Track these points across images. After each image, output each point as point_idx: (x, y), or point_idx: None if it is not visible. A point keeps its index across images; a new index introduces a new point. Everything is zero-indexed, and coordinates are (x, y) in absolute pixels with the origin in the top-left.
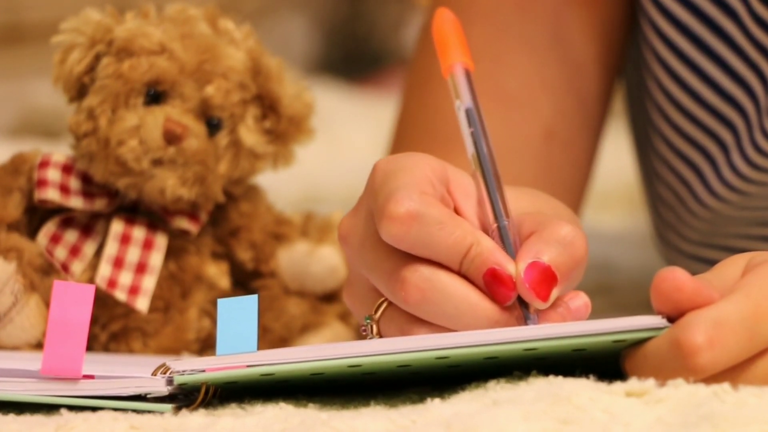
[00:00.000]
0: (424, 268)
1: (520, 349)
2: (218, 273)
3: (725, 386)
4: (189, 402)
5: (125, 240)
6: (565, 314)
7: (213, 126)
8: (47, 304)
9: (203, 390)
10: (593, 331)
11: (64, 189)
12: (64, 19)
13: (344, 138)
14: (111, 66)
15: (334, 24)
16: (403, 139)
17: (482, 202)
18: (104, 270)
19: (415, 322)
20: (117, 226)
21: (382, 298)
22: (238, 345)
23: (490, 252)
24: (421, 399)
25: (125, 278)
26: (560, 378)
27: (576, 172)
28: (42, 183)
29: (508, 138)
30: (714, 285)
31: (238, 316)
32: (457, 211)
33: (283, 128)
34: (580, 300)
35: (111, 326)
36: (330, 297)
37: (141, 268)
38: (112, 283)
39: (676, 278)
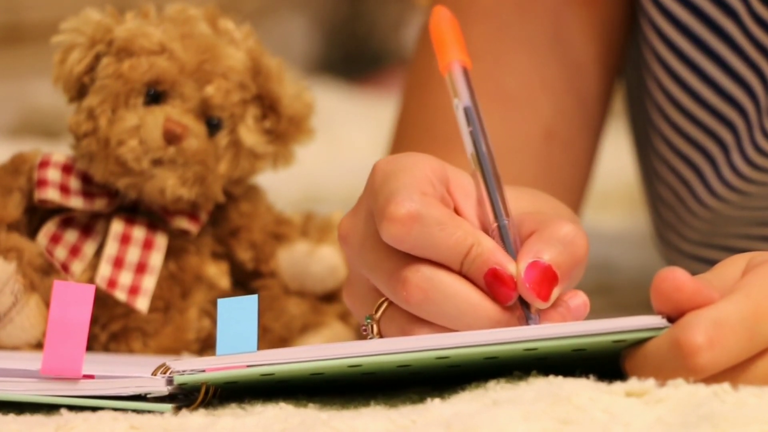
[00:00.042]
0: (425, 268)
1: (520, 349)
2: (218, 273)
3: (725, 386)
4: (189, 402)
5: (125, 240)
6: (566, 314)
7: (213, 126)
8: (47, 304)
9: (203, 390)
10: (593, 331)
11: (64, 189)
12: (64, 19)
13: (344, 138)
14: (111, 66)
15: (334, 24)
16: (403, 139)
17: (482, 201)
18: (104, 270)
19: (415, 322)
20: (117, 226)
21: (383, 298)
22: (238, 345)
23: (490, 252)
24: (421, 399)
25: (125, 278)
26: (560, 378)
27: (576, 172)
28: (42, 183)
29: (508, 138)
30: (714, 285)
31: (238, 316)
32: (457, 211)
33: (283, 128)
34: (579, 299)
35: (111, 326)
36: (330, 297)
37: (141, 268)
38: (112, 283)
39: (676, 278)
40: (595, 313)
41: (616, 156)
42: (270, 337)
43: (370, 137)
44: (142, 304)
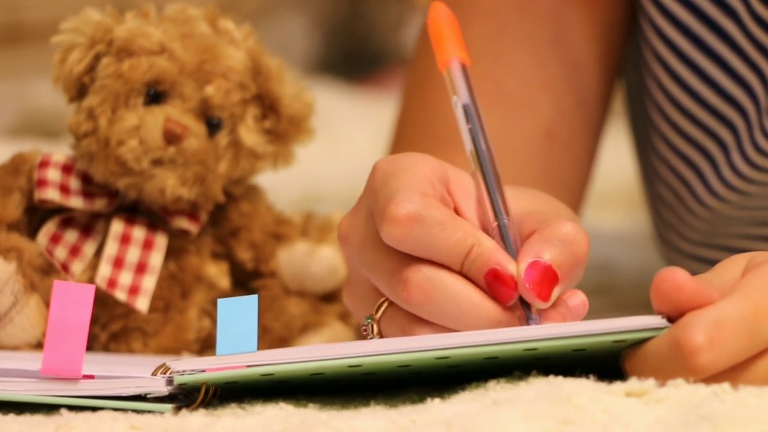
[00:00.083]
0: (426, 269)
1: (520, 349)
2: (218, 273)
3: (725, 386)
4: (189, 402)
5: (125, 240)
6: (566, 313)
7: (213, 126)
8: (47, 304)
9: (203, 390)
10: (593, 331)
11: (64, 189)
12: (64, 19)
13: (344, 138)
14: (111, 66)
15: (334, 24)
16: (403, 139)
17: (482, 200)
18: (104, 270)
19: (416, 322)
20: (117, 226)
21: (383, 298)
22: (238, 345)
23: (491, 252)
24: (421, 399)
25: (125, 278)
26: (560, 378)
27: (576, 172)
28: (42, 183)
29: (508, 138)
30: (714, 285)
31: (238, 316)
32: (457, 211)
33: (283, 128)
34: (578, 298)
35: (111, 326)
36: (330, 297)
37: (141, 268)
38: (112, 283)
39: (676, 278)
40: (595, 313)
41: (616, 156)
42: (270, 337)
43: (370, 137)
44: (142, 304)
